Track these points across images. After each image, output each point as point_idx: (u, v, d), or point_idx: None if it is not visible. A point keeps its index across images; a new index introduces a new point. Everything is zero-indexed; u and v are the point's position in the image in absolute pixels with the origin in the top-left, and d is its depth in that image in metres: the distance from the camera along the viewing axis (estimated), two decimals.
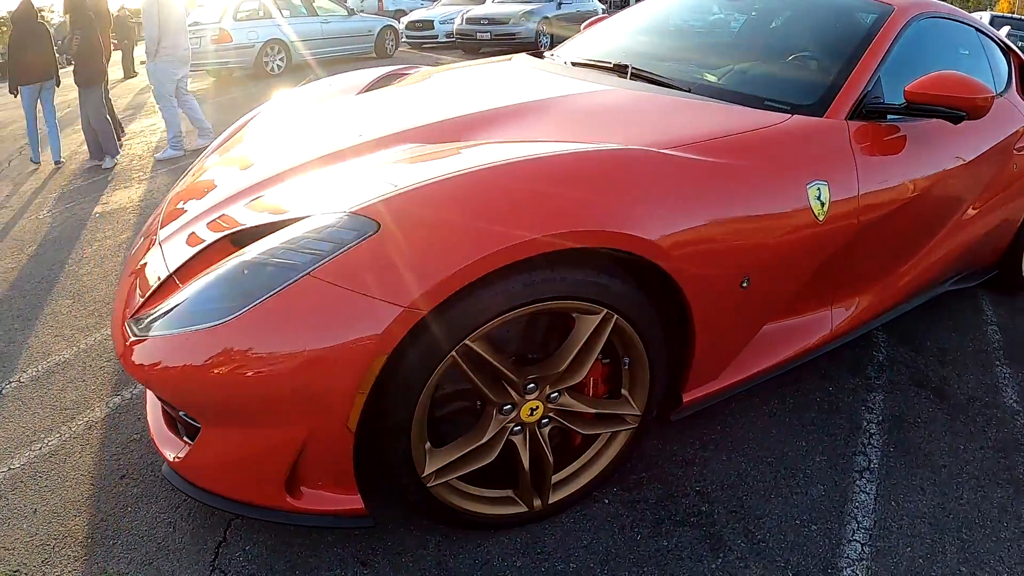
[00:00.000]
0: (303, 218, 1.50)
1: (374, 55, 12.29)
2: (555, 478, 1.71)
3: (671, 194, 1.54)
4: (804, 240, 1.79)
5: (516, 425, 1.58)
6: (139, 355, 1.43)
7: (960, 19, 2.60)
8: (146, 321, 1.48)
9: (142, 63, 10.18)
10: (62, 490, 1.88)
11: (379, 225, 1.37)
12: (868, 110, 2.02)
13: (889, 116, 2.07)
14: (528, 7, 11.95)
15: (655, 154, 1.59)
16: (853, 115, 2.00)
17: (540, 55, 2.96)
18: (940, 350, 2.52)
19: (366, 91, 2.67)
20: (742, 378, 1.88)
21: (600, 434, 1.72)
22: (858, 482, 1.90)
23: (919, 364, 2.44)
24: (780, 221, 1.73)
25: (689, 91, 2.17)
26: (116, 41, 13.78)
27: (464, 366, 1.43)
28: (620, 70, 2.42)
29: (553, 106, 2.02)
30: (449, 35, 13.12)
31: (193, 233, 1.71)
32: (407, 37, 13.96)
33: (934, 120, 2.07)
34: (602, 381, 1.69)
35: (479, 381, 1.47)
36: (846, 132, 1.94)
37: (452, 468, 1.54)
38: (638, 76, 2.34)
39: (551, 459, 1.63)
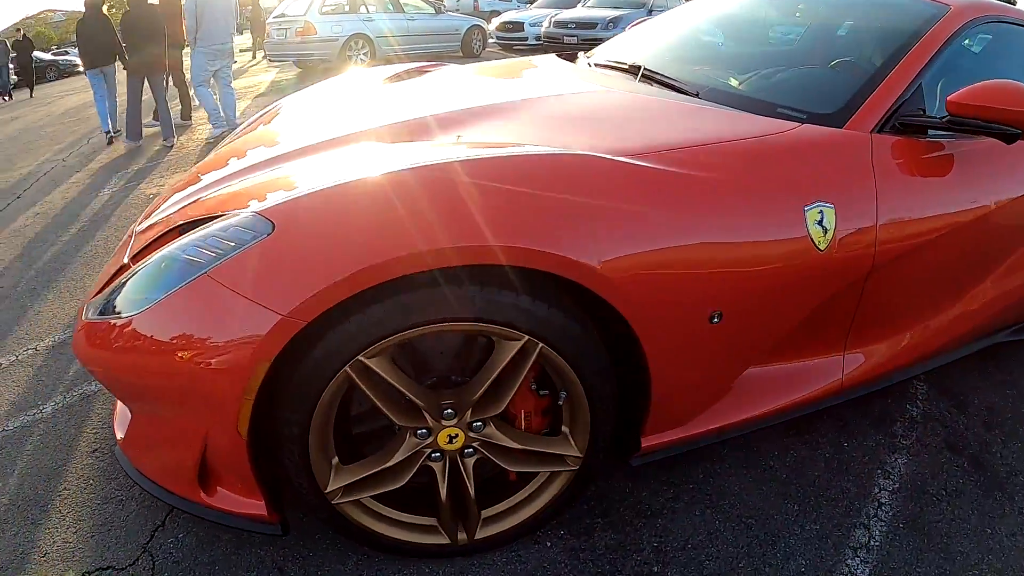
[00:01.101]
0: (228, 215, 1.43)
1: (460, 54, 12.34)
2: (487, 512, 1.54)
3: (618, 209, 1.33)
4: (798, 272, 1.52)
5: (435, 451, 1.43)
6: (77, 338, 1.46)
7: None
8: (88, 307, 1.50)
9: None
10: (40, 456, 2.00)
11: (273, 227, 1.28)
12: (903, 124, 1.73)
13: (931, 132, 1.76)
14: (617, 12, 11.64)
15: (604, 161, 1.39)
16: (883, 128, 1.71)
17: (574, 56, 2.79)
18: (988, 410, 2.14)
19: (389, 82, 2.62)
20: (716, 427, 1.63)
21: (537, 472, 1.54)
22: (850, 560, 1.61)
23: (959, 425, 2.08)
24: (766, 248, 1.48)
25: (697, 95, 1.93)
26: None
27: (361, 384, 1.29)
28: (633, 72, 2.21)
29: (530, 107, 1.85)
30: (539, 38, 13.00)
31: (157, 223, 1.71)
32: (497, 38, 13.95)
33: (987, 139, 1.75)
34: (538, 414, 1.50)
35: (379, 402, 1.33)
36: (868, 148, 1.66)
37: (361, 487, 1.44)
38: (649, 78, 2.13)
39: (472, 492, 1.47)
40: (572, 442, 1.47)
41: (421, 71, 2.82)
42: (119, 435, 1.63)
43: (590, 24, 11.42)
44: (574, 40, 11.83)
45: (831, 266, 1.56)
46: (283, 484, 1.49)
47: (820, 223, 1.54)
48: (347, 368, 1.26)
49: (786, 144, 1.60)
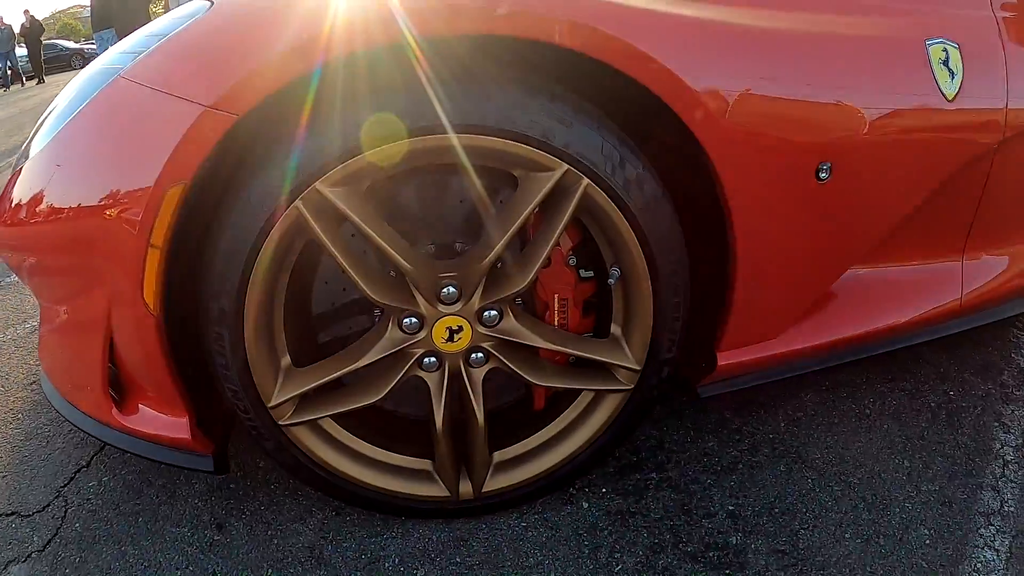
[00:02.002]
0: None
1: None
2: (501, 456, 1.11)
3: (720, 26, 0.95)
4: (922, 126, 1.14)
5: (428, 354, 1.00)
6: None
7: None
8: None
9: None
10: None
11: (211, 4, 0.91)
12: None
13: None
14: None
15: None
16: None
17: None
18: None
19: None
20: (811, 347, 1.21)
21: (576, 391, 1.10)
22: (982, 530, 1.18)
23: None
24: (884, 87, 1.08)
25: None
26: None
27: (318, 231, 0.87)
28: None
29: None
30: None
31: None
32: None
33: None
34: (578, 304, 1.07)
35: (347, 264, 0.91)
36: None
37: (320, 402, 1.02)
38: None
39: (481, 419, 1.03)
40: (626, 348, 1.04)
41: None
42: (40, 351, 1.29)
43: None
44: None
45: (958, 124, 1.18)
46: (221, 403, 1.07)
47: (945, 63, 1.15)
48: (299, 202, 0.85)
49: None
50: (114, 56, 1.02)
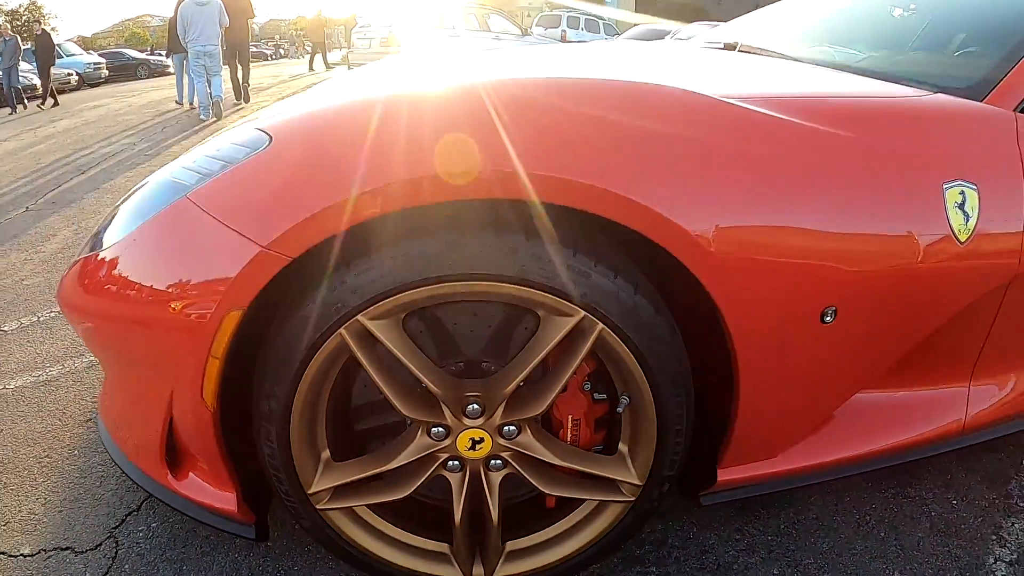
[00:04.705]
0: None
1: None
2: (513, 545, 1.22)
3: (725, 160, 1.02)
4: (933, 268, 1.18)
5: (452, 458, 1.12)
6: (63, 281, 1.24)
7: None
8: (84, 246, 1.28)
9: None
10: (33, 420, 1.89)
11: (270, 140, 1.02)
12: None
13: None
14: None
15: (711, 100, 1.08)
16: None
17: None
18: None
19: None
20: (814, 464, 1.28)
21: (583, 499, 1.21)
22: None
23: None
24: (895, 231, 1.14)
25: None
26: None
27: (359, 356, 1.00)
28: (732, 47, 1.91)
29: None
30: None
31: None
32: None
33: None
34: (590, 424, 1.18)
35: (382, 383, 1.03)
36: (1014, 126, 1.31)
37: (354, 492, 1.15)
38: (750, 53, 1.83)
39: (496, 516, 1.14)
40: (630, 465, 1.14)
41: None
42: (101, 401, 1.44)
43: None
44: None
45: (971, 264, 1.22)
46: (264, 479, 1.20)
47: (961, 207, 1.20)
48: (342, 331, 0.98)
49: (920, 110, 1.27)
50: (178, 170, 1.14)
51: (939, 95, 1.36)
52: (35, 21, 17.34)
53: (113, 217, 1.21)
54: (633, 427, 1.13)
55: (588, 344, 1.01)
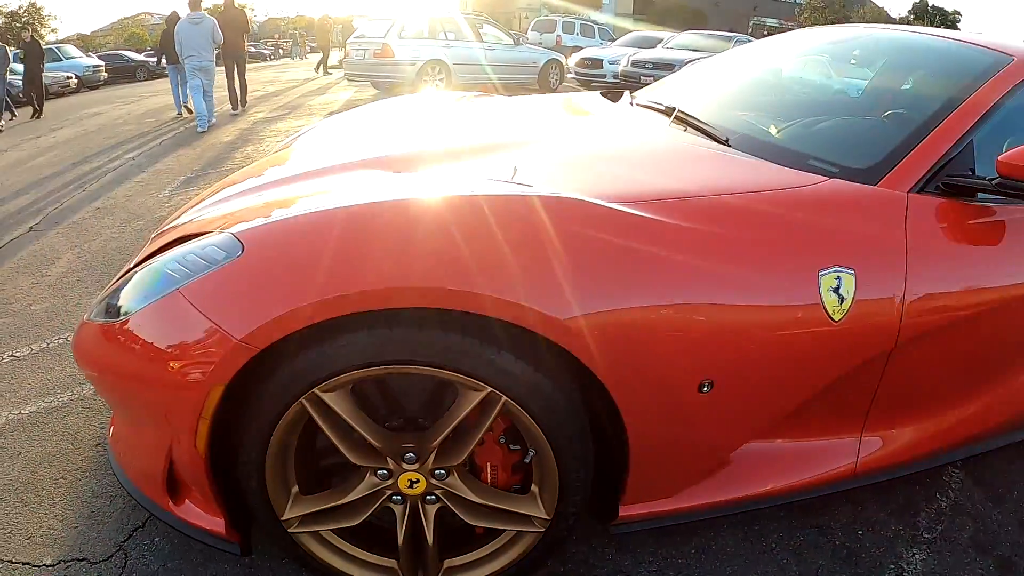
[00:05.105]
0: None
1: (537, 87, 12.45)
2: (451, 562, 1.46)
3: (599, 259, 1.25)
4: (807, 344, 1.38)
5: (395, 494, 1.38)
6: (76, 336, 1.51)
7: None
8: (91, 307, 1.54)
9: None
10: (48, 443, 2.08)
11: (243, 249, 1.28)
12: (947, 185, 1.56)
13: (980, 195, 1.58)
14: (695, 55, 11.51)
15: (590, 206, 1.31)
16: (924, 188, 1.55)
17: (618, 95, 2.72)
18: None
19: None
20: (708, 503, 1.50)
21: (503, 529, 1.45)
22: None
23: (991, 521, 1.85)
24: (769, 314, 1.35)
25: (726, 141, 1.83)
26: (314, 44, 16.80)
27: (317, 419, 1.25)
28: (668, 113, 2.13)
29: (546, 145, 1.79)
30: (616, 76, 12.98)
31: (166, 231, 1.76)
32: (576, 74, 14.02)
33: None
34: (506, 469, 1.42)
35: (336, 439, 1.29)
36: (903, 209, 1.50)
37: (318, 519, 1.41)
38: (683, 121, 2.04)
39: (431, 540, 1.40)
40: (540, 503, 1.38)
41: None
42: (111, 431, 1.70)
43: (668, 65, 11.29)
44: (651, 80, 11.72)
45: (847, 340, 1.41)
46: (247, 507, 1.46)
47: (836, 290, 1.40)
48: (302, 400, 1.23)
49: (806, 199, 1.48)
50: (171, 263, 1.37)
51: (832, 181, 1.55)
52: (23, 28, 16.27)
53: (123, 286, 1.45)
54: (541, 473, 1.36)
55: (495, 411, 1.25)
